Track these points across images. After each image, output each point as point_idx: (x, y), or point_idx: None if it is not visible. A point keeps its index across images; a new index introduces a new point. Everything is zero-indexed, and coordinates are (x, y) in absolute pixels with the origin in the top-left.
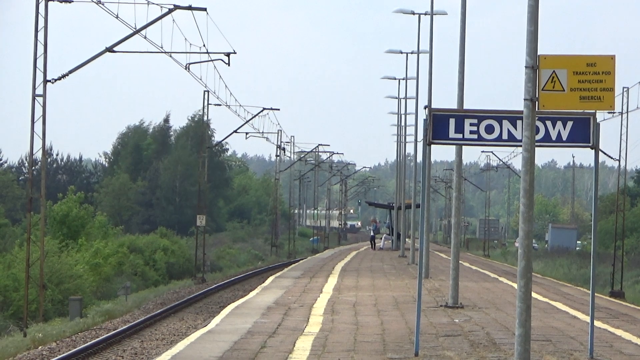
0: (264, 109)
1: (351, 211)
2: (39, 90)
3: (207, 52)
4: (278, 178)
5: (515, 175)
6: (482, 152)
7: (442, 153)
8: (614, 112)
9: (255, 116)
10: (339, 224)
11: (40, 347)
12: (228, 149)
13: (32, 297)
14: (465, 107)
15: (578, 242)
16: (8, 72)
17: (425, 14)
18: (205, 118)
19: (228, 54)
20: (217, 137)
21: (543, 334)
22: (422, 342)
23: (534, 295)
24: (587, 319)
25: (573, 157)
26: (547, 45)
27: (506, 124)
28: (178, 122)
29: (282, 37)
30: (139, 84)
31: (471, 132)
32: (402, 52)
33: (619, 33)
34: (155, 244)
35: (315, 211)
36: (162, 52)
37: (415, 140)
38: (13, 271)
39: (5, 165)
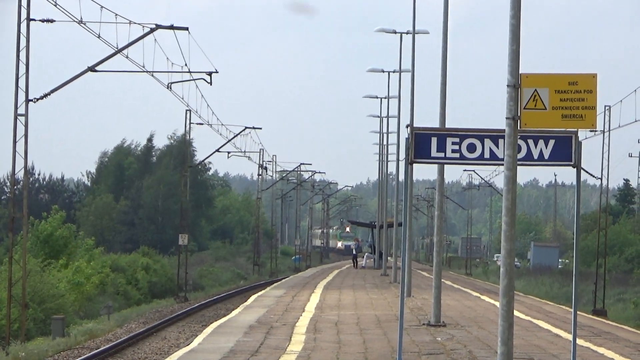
0: (246, 127)
1: (347, 229)
2: (21, 110)
3: (189, 72)
4: (260, 197)
5: (497, 194)
6: (464, 170)
7: (424, 172)
8: (595, 131)
9: (237, 135)
10: (321, 242)
11: None
12: (210, 168)
13: (14, 316)
14: (447, 125)
15: (560, 260)
16: None
17: (407, 33)
18: (187, 137)
19: (210, 73)
20: (199, 156)
21: (525, 352)
22: None
23: (516, 313)
24: (570, 337)
25: (555, 175)
26: (529, 65)
27: (488, 143)
28: (160, 141)
29: (264, 57)
30: (121, 103)
31: (453, 151)
32: (384, 71)
33: (600, 52)
34: (137, 263)
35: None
36: (144, 72)
37: (397, 159)
38: None
39: None
